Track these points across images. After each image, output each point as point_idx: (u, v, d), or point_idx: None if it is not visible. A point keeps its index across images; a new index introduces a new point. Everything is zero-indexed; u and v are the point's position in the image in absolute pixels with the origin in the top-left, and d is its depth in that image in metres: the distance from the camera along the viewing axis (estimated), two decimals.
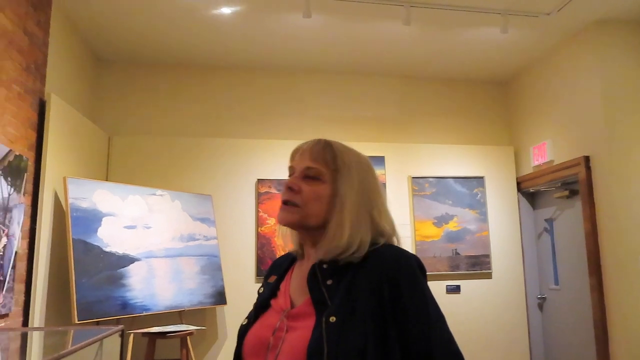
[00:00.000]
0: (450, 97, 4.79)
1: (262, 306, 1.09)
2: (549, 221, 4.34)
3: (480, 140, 4.73)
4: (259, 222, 4.15)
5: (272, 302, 1.08)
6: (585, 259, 3.70)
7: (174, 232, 3.67)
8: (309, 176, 1.06)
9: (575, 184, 3.95)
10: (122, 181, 3.77)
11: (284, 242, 1.18)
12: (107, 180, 3.90)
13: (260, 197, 4.17)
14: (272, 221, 4.15)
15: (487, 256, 4.35)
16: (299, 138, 4.95)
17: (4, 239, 2.61)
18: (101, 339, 2.02)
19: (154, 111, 4.30)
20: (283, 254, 1.24)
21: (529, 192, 4.56)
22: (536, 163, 4.31)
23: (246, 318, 1.10)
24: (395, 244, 1.07)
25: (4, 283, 2.61)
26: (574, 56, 3.88)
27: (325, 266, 1.01)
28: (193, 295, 3.61)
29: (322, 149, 1.08)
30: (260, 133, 4.36)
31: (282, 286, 1.10)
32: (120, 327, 2.18)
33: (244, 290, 4.00)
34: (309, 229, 1.06)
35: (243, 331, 1.07)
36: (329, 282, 0.99)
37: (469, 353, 4.23)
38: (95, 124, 3.87)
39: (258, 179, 4.19)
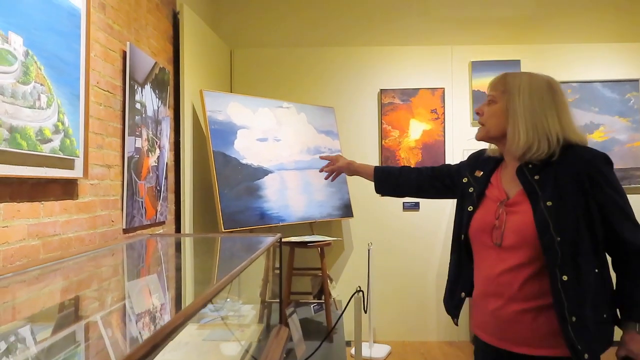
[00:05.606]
0: None
1: (481, 195, 1.45)
2: None
3: (635, 36, 4.07)
4: (383, 134, 3.99)
5: (487, 192, 1.45)
6: None
7: (302, 145, 3.64)
8: (490, 102, 1.43)
9: None
10: (244, 94, 3.73)
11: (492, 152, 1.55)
12: (231, 93, 3.90)
13: (383, 109, 3.98)
14: (396, 133, 3.98)
15: (639, 169, 3.90)
16: (424, 43, 4.48)
17: (157, 151, 2.69)
18: (269, 247, 2.05)
19: (272, 21, 4.13)
20: (475, 151, 1.61)
21: None
22: None
23: (470, 205, 1.46)
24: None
25: (161, 192, 2.74)
26: None
27: (530, 166, 1.36)
28: (322, 207, 3.63)
29: (498, 79, 1.43)
30: (382, 39, 4.07)
31: (493, 180, 1.46)
32: (278, 235, 2.19)
33: (368, 204, 3.96)
34: (494, 139, 1.46)
35: (470, 215, 1.44)
36: (537, 177, 1.33)
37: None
38: (217, 36, 3.81)
39: (381, 89, 3.98)
